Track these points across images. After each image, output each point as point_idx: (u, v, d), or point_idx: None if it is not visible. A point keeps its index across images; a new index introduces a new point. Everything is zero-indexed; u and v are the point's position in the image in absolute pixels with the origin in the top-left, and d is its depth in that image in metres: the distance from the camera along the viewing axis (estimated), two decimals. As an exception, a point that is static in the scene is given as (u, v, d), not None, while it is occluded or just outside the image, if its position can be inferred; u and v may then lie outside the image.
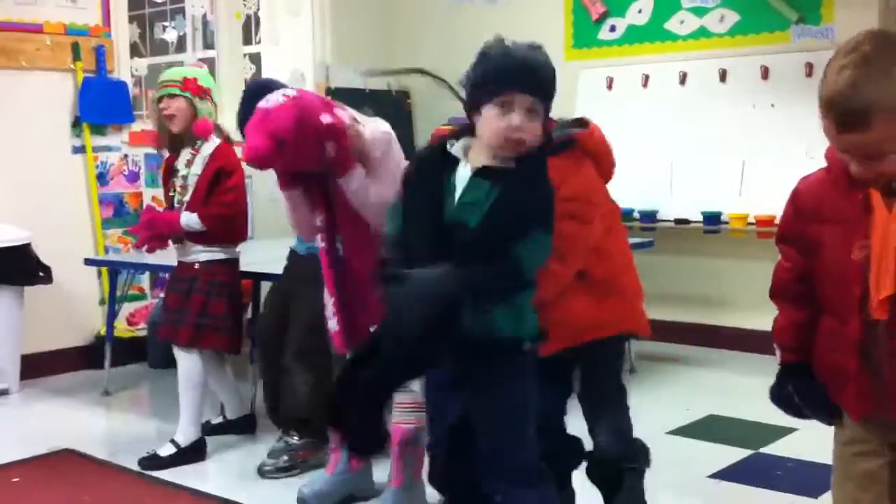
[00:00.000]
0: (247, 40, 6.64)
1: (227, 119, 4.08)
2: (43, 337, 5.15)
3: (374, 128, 3.04)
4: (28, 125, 5.18)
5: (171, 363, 5.31)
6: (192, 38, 6.97)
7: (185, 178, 3.84)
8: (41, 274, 4.91)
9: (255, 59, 6.56)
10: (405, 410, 3.14)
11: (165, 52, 7.77)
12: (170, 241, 3.87)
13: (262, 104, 2.87)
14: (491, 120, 2.12)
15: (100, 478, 3.69)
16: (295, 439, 3.65)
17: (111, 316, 4.94)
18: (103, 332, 5.11)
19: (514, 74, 2.11)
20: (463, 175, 2.16)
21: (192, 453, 3.82)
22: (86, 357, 5.32)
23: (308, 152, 2.87)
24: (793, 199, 2.05)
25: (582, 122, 2.63)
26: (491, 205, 2.09)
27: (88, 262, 5.08)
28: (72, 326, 5.34)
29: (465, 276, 2.02)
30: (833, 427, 2.07)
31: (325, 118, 2.86)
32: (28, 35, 5.17)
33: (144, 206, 3.92)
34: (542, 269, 2.20)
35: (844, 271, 1.88)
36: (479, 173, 2.13)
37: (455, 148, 2.19)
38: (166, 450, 3.78)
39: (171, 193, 3.91)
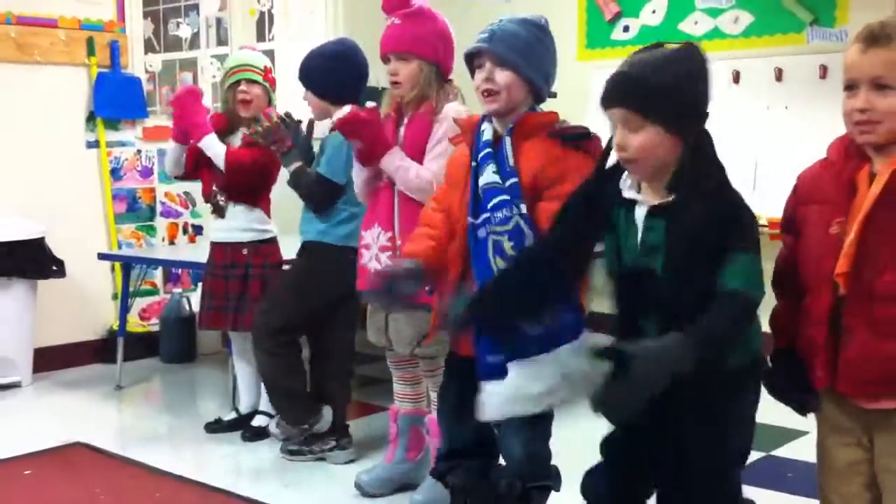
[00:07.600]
0: (260, 37, 6.65)
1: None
2: (55, 330, 5.17)
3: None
4: (42, 120, 5.19)
5: (183, 358, 5.39)
6: (206, 34, 6.99)
7: None
8: (54, 268, 4.93)
9: (269, 55, 6.56)
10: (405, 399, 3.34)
11: (179, 48, 7.79)
12: None
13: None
14: None
15: (111, 471, 3.71)
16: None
17: (124, 310, 4.96)
18: (116, 326, 5.12)
19: (604, 90, 1.95)
20: (640, 214, 1.97)
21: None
22: (98, 351, 5.34)
23: None
24: (793, 188, 2.15)
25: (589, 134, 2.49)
26: (667, 245, 1.90)
27: (102, 256, 5.11)
28: (84, 320, 5.35)
29: (701, 341, 1.82)
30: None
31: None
32: (43, 29, 5.17)
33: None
34: None
35: (821, 247, 1.95)
36: (652, 212, 1.95)
37: (627, 186, 1.98)
38: (260, 420, 4.02)
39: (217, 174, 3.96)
